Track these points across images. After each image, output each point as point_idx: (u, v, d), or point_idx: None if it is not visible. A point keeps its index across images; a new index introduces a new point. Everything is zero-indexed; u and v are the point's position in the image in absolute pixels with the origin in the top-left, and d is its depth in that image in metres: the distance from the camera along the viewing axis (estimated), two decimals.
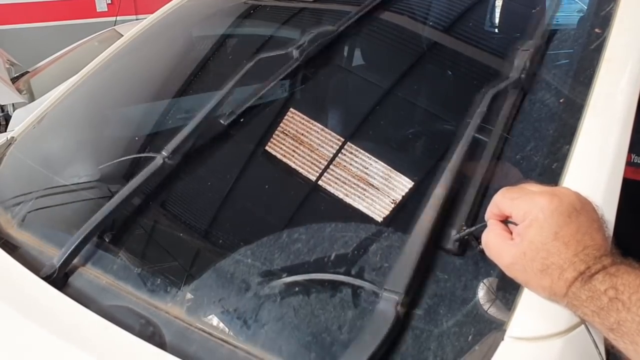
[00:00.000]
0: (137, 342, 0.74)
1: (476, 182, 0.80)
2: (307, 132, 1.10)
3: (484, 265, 0.69)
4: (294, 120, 1.15)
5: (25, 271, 0.92)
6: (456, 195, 0.77)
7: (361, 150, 1.01)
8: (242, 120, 1.37)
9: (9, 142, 1.56)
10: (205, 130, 1.36)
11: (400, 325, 0.67)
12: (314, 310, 0.76)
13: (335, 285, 0.77)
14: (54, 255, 0.99)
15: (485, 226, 0.65)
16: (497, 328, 0.63)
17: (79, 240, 1.01)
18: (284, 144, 1.10)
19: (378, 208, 0.89)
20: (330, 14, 1.56)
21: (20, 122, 3.18)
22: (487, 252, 0.63)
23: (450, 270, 0.71)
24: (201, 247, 1.05)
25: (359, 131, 1.16)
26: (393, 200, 0.90)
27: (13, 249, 1.06)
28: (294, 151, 1.08)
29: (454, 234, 0.71)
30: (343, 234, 0.87)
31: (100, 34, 4.19)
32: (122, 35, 3.74)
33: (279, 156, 1.08)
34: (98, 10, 5.93)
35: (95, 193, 1.27)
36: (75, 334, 0.76)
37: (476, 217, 0.73)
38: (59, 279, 0.92)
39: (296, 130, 1.11)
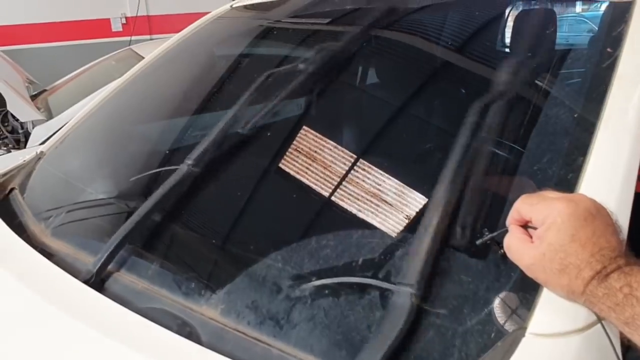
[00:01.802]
0: (179, 340, 0.78)
1: (496, 192, 0.84)
2: (320, 149, 1.14)
3: (505, 268, 0.73)
4: (307, 138, 1.19)
5: (66, 275, 0.97)
6: (478, 204, 0.82)
7: (374, 167, 1.04)
8: (256, 138, 1.42)
9: (39, 157, 1.61)
10: (223, 147, 1.42)
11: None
12: (332, 311, 0.81)
13: (357, 289, 0.82)
14: (88, 262, 1.04)
15: (506, 231, 0.69)
16: (518, 325, 0.67)
17: (113, 247, 1.06)
18: (297, 161, 1.14)
19: (392, 224, 0.93)
20: (343, 35, 1.60)
21: (40, 138, 3.26)
22: (509, 254, 0.67)
23: (474, 272, 0.76)
24: (217, 255, 1.10)
25: (371, 148, 1.19)
26: (407, 215, 0.94)
27: (49, 257, 1.11)
28: (307, 168, 1.11)
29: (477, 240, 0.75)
30: (358, 248, 0.92)
31: (116, 53, 4.28)
32: (139, 55, 3.84)
33: (292, 173, 1.13)
34: (113, 30, 6.05)
35: (121, 204, 1.31)
36: (120, 332, 0.81)
37: (497, 224, 0.77)
38: (97, 283, 0.97)
39: (309, 148, 1.15)
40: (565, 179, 0.78)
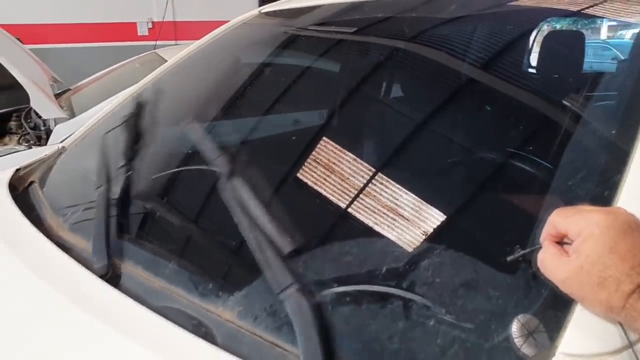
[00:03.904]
0: (193, 339, 0.76)
1: (525, 209, 0.82)
2: (339, 161, 1.12)
3: (535, 285, 0.70)
4: (326, 149, 1.18)
5: (83, 270, 0.96)
6: (508, 220, 0.79)
7: (392, 182, 1.02)
8: (276, 146, 1.41)
9: (60, 152, 1.62)
10: (242, 153, 1.41)
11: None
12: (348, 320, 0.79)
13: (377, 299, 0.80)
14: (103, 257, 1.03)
15: (539, 249, 0.67)
16: (548, 344, 0.65)
17: (129, 243, 1.05)
18: (315, 172, 1.12)
19: (408, 239, 0.91)
20: (368, 46, 1.59)
21: (62, 136, 3.29)
22: (543, 269, 0.65)
23: (502, 288, 0.73)
24: (229, 258, 1.08)
25: (390, 162, 1.17)
26: (429, 230, 0.91)
27: (66, 251, 1.10)
28: (325, 179, 1.10)
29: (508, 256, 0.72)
30: (376, 258, 0.90)
31: (141, 56, 4.32)
32: (163, 59, 3.88)
33: (310, 183, 1.11)
34: (139, 34, 6.12)
35: (138, 201, 1.30)
36: (132, 328, 0.79)
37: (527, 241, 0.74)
38: (113, 278, 0.96)
39: (328, 159, 1.14)
40: (602, 195, 0.75)
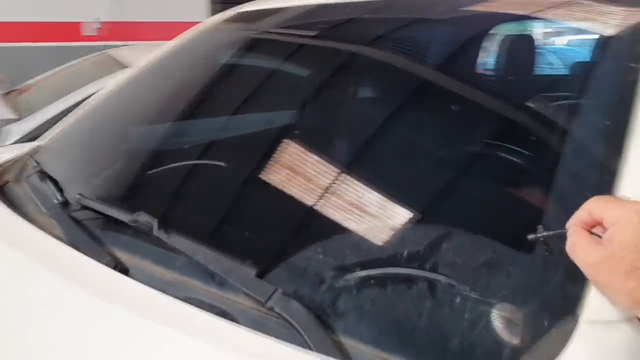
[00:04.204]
0: (215, 321, 0.79)
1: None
2: (302, 163, 1.14)
3: (554, 264, 0.75)
4: (289, 151, 1.20)
5: (93, 263, 0.95)
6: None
7: (356, 182, 1.05)
8: (236, 149, 1.43)
9: (35, 150, 1.59)
10: (207, 154, 1.42)
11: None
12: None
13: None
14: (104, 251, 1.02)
15: (563, 232, 0.68)
16: (570, 313, 0.69)
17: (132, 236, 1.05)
18: (279, 174, 1.14)
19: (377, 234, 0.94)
20: (329, 50, 1.63)
21: (12, 137, 3.18)
22: (572, 253, 0.65)
23: (523, 266, 0.78)
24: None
25: (355, 162, 1.19)
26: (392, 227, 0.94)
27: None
28: (289, 180, 1.11)
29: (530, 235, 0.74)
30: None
31: (92, 57, 4.22)
32: (115, 59, 3.79)
33: (273, 184, 1.12)
34: (87, 33, 5.92)
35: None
36: (158, 314, 0.81)
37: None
38: (122, 271, 0.96)
39: (291, 162, 1.15)
40: (602, 181, 0.80)
